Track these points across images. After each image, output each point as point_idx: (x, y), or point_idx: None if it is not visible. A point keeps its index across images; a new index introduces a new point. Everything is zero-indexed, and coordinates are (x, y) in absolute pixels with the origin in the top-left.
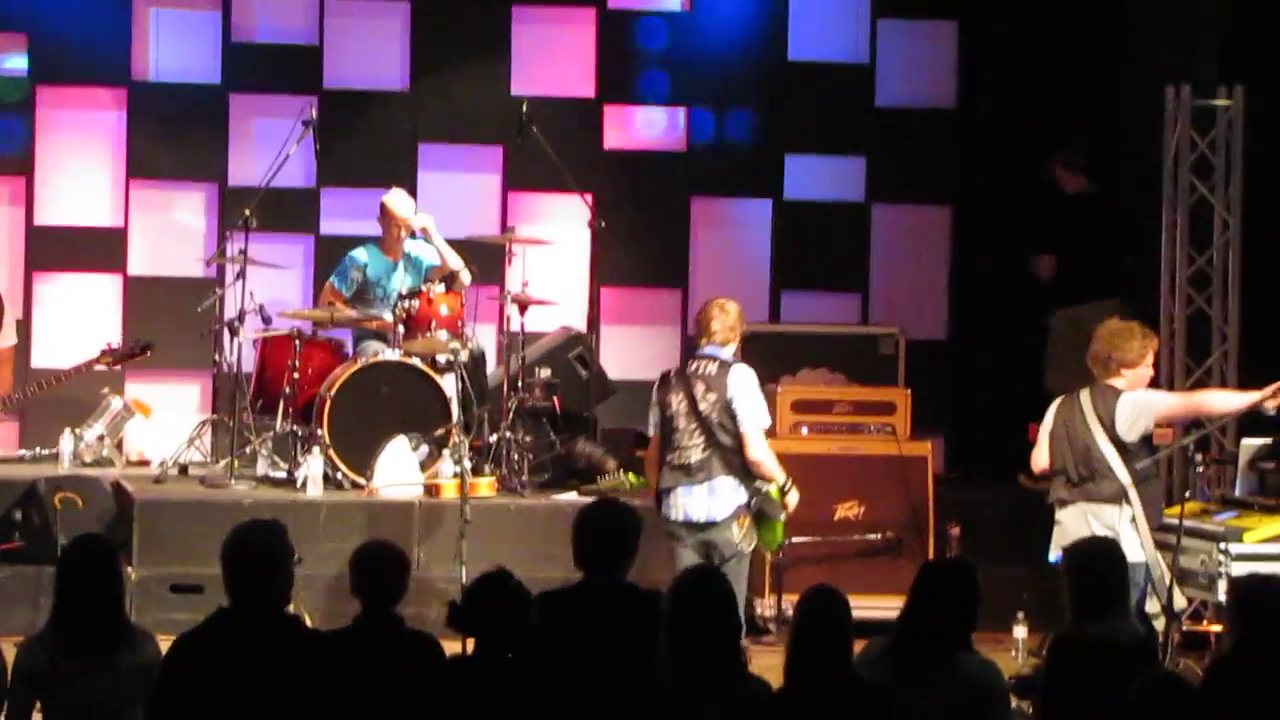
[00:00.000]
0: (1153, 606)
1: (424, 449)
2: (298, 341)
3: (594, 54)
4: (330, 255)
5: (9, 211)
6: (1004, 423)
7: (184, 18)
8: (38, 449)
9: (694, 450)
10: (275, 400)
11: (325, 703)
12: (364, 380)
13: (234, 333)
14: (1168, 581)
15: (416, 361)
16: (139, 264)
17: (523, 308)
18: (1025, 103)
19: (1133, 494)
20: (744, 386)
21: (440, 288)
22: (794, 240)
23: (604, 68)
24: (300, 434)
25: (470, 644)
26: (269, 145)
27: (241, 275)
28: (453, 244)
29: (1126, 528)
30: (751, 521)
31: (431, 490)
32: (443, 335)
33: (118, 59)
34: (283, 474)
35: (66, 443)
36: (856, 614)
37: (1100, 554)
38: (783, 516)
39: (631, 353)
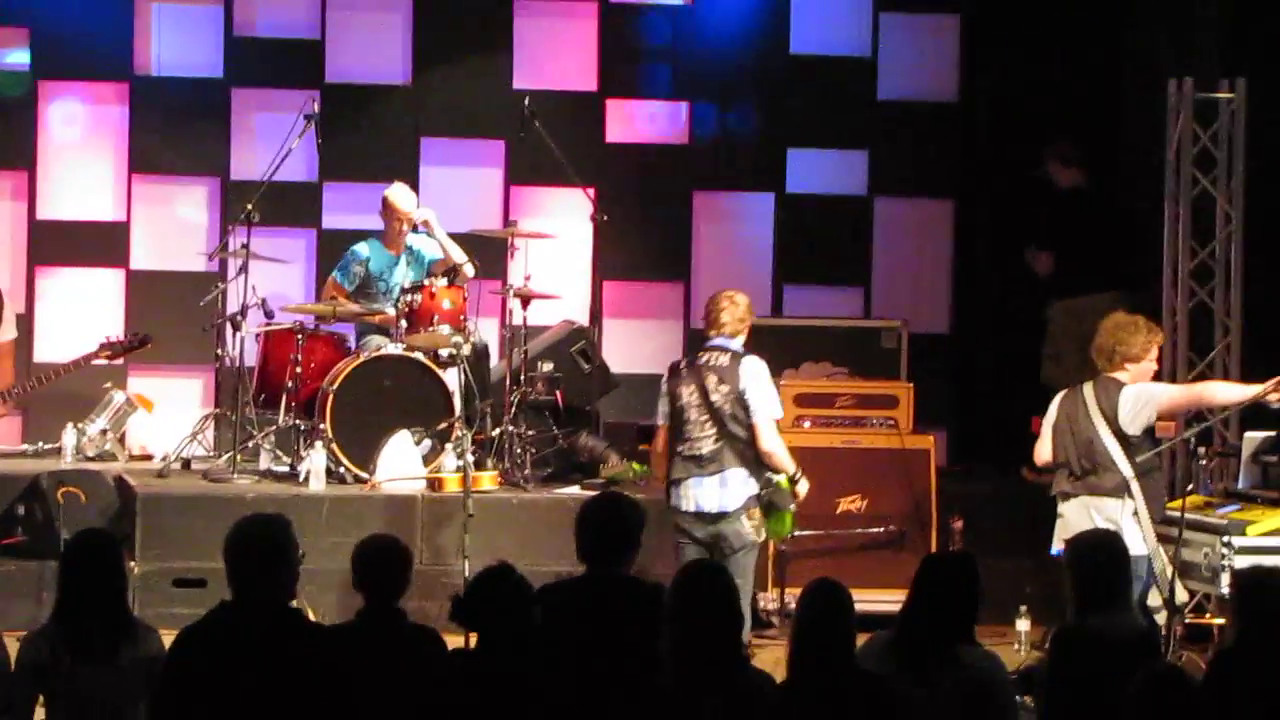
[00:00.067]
0: (1155, 600)
1: (426, 443)
2: (300, 336)
3: (596, 48)
4: (332, 249)
5: (11, 206)
6: (1006, 416)
7: (186, 12)
8: (40, 443)
9: (706, 441)
10: (278, 394)
11: (328, 697)
12: (366, 374)
13: (236, 327)
14: (1170, 575)
15: (419, 355)
16: (141, 258)
17: (525, 302)
18: (1027, 96)
19: (1135, 487)
20: (757, 378)
21: (443, 282)
22: (796, 234)
23: (606, 61)
24: (303, 428)
25: (473, 638)
26: (271, 139)
27: (244, 270)
28: (455, 238)
29: (1129, 521)
30: (761, 513)
31: (434, 484)
32: (445, 329)
33: (120, 53)
34: (285, 468)
35: (69, 437)
36: (859, 607)
37: (1102, 547)
38: (792, 507)
39: (634, 346)
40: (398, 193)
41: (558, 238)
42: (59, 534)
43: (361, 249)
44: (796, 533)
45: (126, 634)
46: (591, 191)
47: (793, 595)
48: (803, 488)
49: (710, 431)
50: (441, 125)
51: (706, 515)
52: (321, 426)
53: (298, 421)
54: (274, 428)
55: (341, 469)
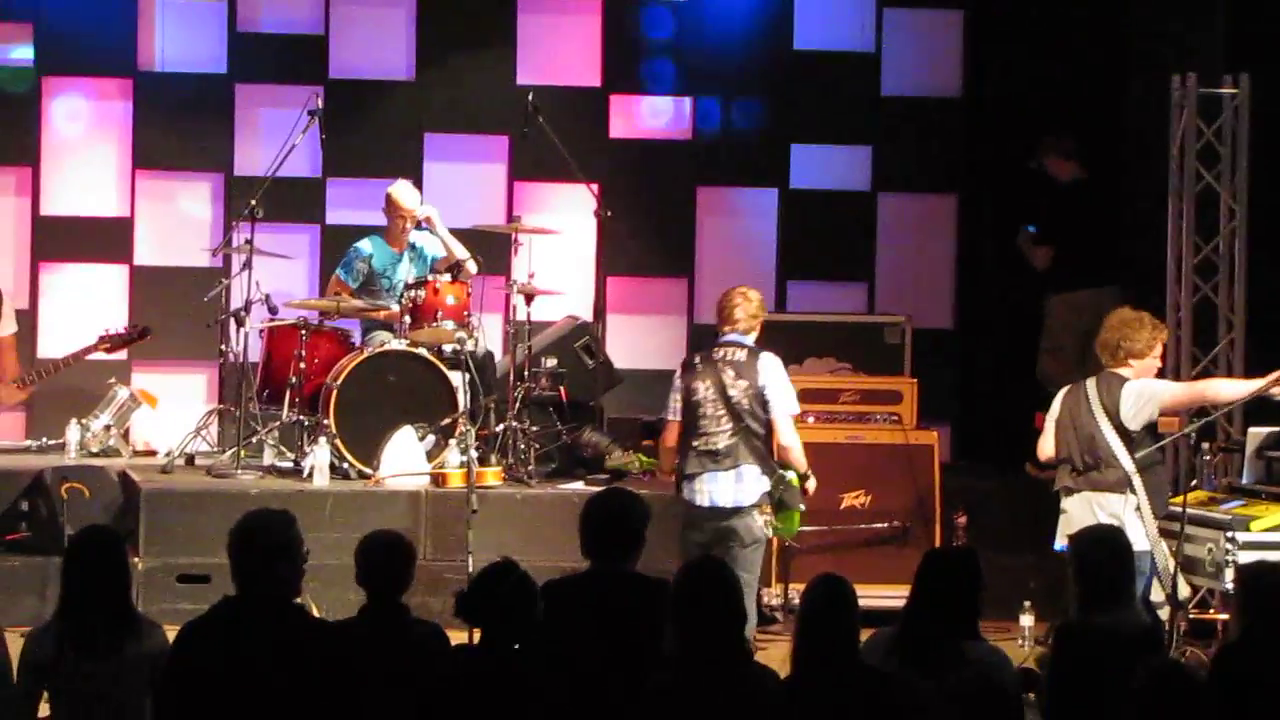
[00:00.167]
0: (1158, 595)
1: (430, 439)
2: (304, 331)
3: (600, 43)
4: (336, 245)
5: (15, 202)
6: (1010, 411)
7: (190, 7)
8: (44, 439)
9: (721, 436)
10: (281, 390)
11: (331, 692)
12: (370, 370)
13: (240, 323)
14: (1172, 570)
15: (423, 351)
16: (145, 254)
17: (529, 297)
18: (1031, 91)
19: (1137, 482)
20: (775, 373)
21: (446, 277)
22: (800, 229)
23: (610, 57)
24: (306, 424)
25: (476, 634)
26: (275, 135)
27: (248, 265)
28: (459, 233)
29: (1131, 516)
30: (772, 509)
31: (438, 480)
32: (449, 325)
33: (124, 49)
34: (289, 464)
35: (73, 433)
36: (863, 603)
37: (1105, 542)
38: (802, 506)
39: (638, 342)
40: (401, 190)
41: (561, 233)
42: (63, 529)
43: (364, 246)
44: (801, 528)
45: (131, 630)
46: (595, 187)
47: (797, 591)
48: (810, 485)
49: (726, 427)
50: (445, 121)
51: (721, 510)
52: (325, 422)
53: (301, 417)
54: (278, 423)
55: (345, 465)
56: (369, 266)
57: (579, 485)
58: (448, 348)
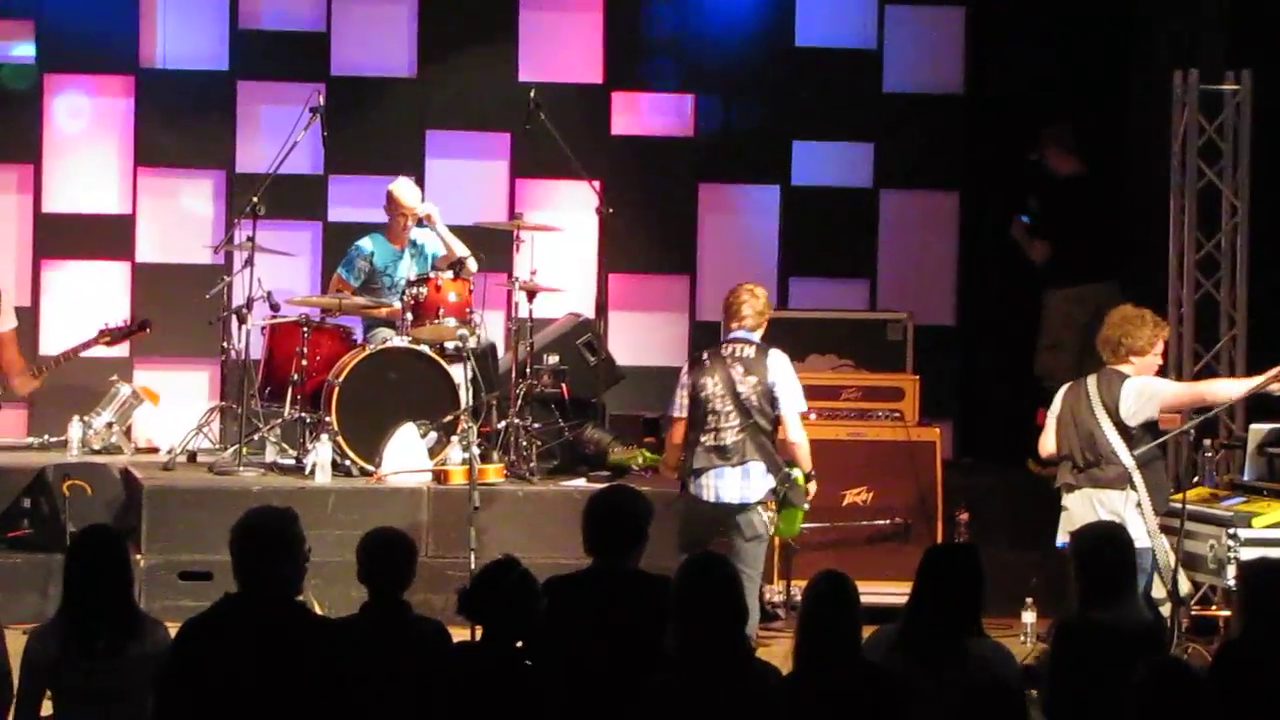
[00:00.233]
0: (1159, 591)
1: (432, 436)
2: (305, 329)
3: (602, 40)
4: (338, 242)
5: (17, 199)
6: (1012, 408)
7: (191, 4)
8: (46, 436)
9: (729, 432)
10: (283, 387)
11: (332, 689)
12: (372, 367)
13: (242, 320)
14: (1173, 566)
15: (424, 348)
16: (147, 251)
17: (531, 294)
18: (1032, 88)
19: (1137, 478)
20: (785, 370)
21: (448, 275)
22: (802, 226)
23: (611, 54)
24: (309, 421)
25: (478, 631)
26: (277, 132)
27: (249, 262)
28: (460, 231)
29: (1132, 512)
30: (775, 507)
31: (440, 477)
32: (451, 322)
33: (125, 46)
34: (291, 461)
35: (75, 430)
36: (865, 599)
37: (1107, 539)
38: (805, 506)
39: (640, 339)
40: (402, 187)
41: (563, 230)
42: (65, 527)
43: (365, 244)
44: (802, 525)
45: (133, 628)
46: (597, 184)
47: (799, 588)
48: (812, 489)
49: (735, 423)
50: (447, 118)
51: (726, 506)
52: (327, 419)
53: (303, 414)
54: (280, 421)
55: (347, 462)
56: (370, 264)
57: (581, 482)
58: (450, 345)
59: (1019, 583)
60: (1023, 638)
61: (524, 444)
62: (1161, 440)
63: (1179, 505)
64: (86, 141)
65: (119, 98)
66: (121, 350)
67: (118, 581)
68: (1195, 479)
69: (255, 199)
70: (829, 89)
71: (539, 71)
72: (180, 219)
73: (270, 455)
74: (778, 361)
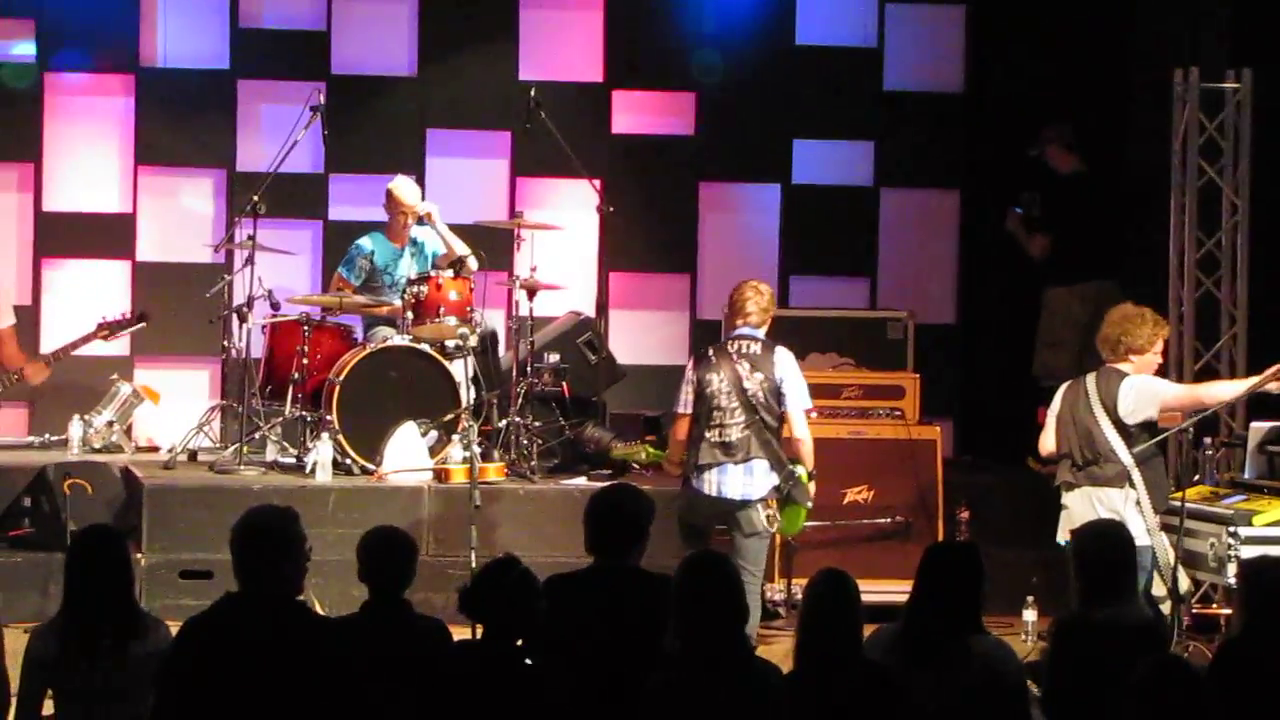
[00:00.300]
0: (1159, 589)
1: (433, 434)
2: (306, 327)
3: (602, 38)
4: (338, 241)
5: (17, 198)
6: (1012, 407)
7: (192, 3)
8: (47, 435)
9: (734, 429)
10: (284, 386)
11: (333, 688)
12: (372, 365)
13: (243, 318)
14: (1172, 564)
15: (425, 347)
16: (148, 250)
17: (531, 293)
18: (1033, 86)
19: (1136, 476)
20: (791, 367)
21: (449, 273)
22: (802, 225)
23: (612, 52)
24: (309, 419)
25: (479, 630)
26: (277, 131)
27: (250, 261)
28: (461, 229)
29: (1131, 510)
30: (778, 506)
31: (440, 476)
32: (451, 320)
33: (125, 45)
34: (292, 459)
35: (75, 429)
36: (866, 598)
37: (1108, 537)
38: (809, 504)
39: (640, 337)
40: (401, 185)
41: (564, 229)
42: (66, 526)
43: (365, 243)
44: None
45: (134, 627)
46: (597, 183)
47: (800, 586)
48: (812, 487)
49: (740, 419)
50: (447, 117)
51: (727, 502)
52: (328, 418)
53: (304, 413)
54: (280, 419)
55: (348, 460)
56: (371, 263)
57: (581, 481)
58: (450, 343)
59: (1019, 581)
60: (1024, 636)
61: (525, 442)
62: (1160, 438)
63: (1179, 503)
64: (87, 140)
65: (119, 96)
66: (122, 349)
67: (118, 580)
68: (1196, 477)
69: (256, 198)
70: (829, 87)
71: (539, 70)
72: (181, 218)
73: (271, 454)
74: (784, 358)
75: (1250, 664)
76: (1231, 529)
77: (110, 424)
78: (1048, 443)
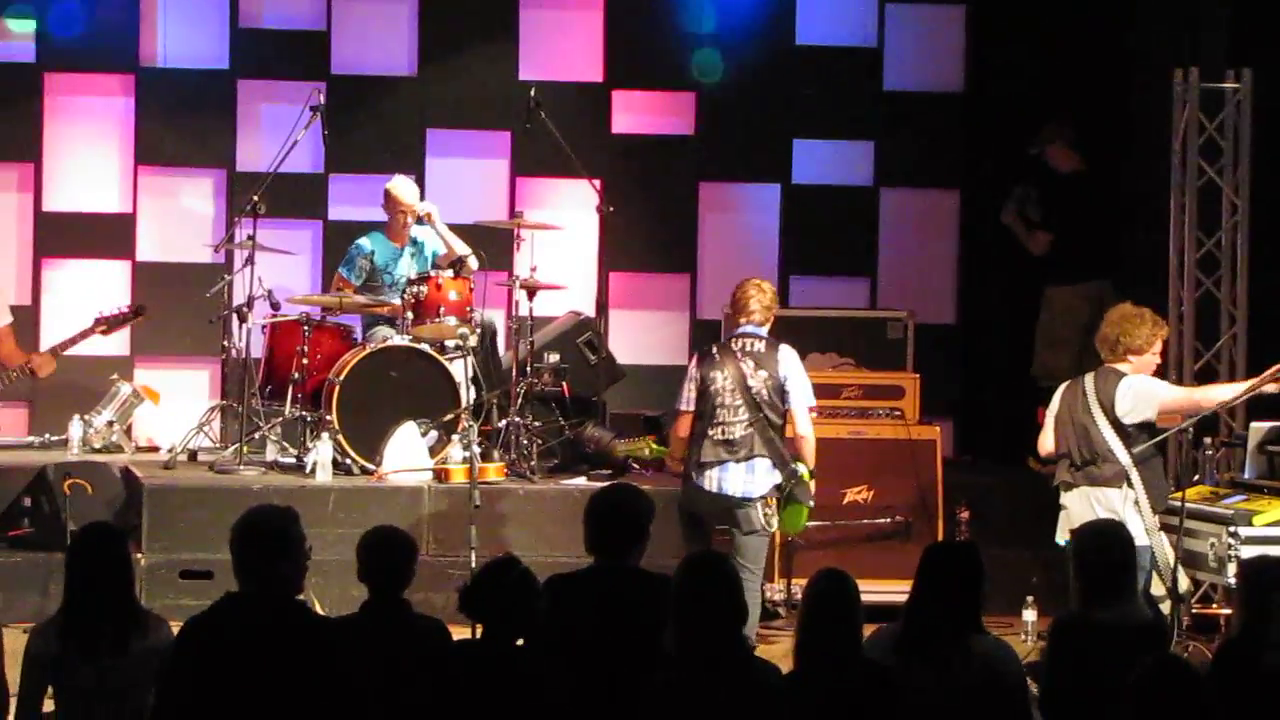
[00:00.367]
0: (1159, 589)
1: (433, 434)
2: (306, 327)
3: (602, 38)
4: (338, 241)
5: (17, 198)
6: (1012, 406)
7: (192, 3)
8: (47, 435)
9: (737, 426)
10: (284, 386)
11: (333, 689)
12: (372, 365)
13: (243, 318)
14: (1172, 564)
15: (425, 346)
16: (148, 250)
17: (531, 293)
18: (1033, 86)
19: (1134, 476)
20: (796, 365)
21: (449, 273)
22: (802, 225)
23: (612, 52)
24: (309, 419)
25: (479, 630)
26: (277, 131)
27: (250, 261)
28: (461, 229)
29: (1129, 510)
30: (779, 504)
31: (440, 476)
32: (451, 320)
33: (125, 45)
34: (292, 459)
35: (75, 429)
36: (866, 598)
37: (1107, 536)
38: (811, 503)
39: (640, 337)
40: (399, 185)
41: (563, 229)
42: (65, 526)
43: (365, 243)
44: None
45: (135, 626)
46: (597, 183)
47: (800, 586)
48: (812, 486)
49: (744, 417)
50: (447, 116)
51: (727, 498)
52: (328, 418)
53: (304, 413)
54: (280, 419)
55: (348, 460)
56: (371, 263)
57: (581, 481)
58: (450, 343)
59: (1019, 581)
60: (1023, 636)
61: (525, 442)
62: (1160, 439)
63: (1179, 503)
64: (87, 140)
65: (119, 96)
66: (122, 349)
67: (119, 580)
68: (1195, 477)
69: (256, 197)
70: (829, 87)
71: (539, 70)
72: (180, 217)
73: (271, 454)
74: (788, 356)
75: (1250, 664)
76: (1231, 529)
77: (110, 424)
78: (1047, 443)
